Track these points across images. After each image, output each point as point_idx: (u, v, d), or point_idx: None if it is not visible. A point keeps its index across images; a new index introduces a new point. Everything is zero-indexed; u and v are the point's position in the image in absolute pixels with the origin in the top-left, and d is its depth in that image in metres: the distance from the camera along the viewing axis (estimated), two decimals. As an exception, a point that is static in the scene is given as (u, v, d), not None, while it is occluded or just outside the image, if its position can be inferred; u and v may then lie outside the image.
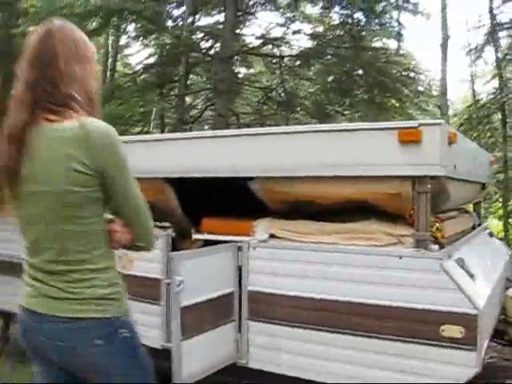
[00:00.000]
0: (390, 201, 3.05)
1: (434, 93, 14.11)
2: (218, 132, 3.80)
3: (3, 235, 4.73)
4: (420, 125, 2.86)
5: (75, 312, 1.85)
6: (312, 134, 3.23)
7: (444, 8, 12.09)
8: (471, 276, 2.98)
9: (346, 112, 14.35)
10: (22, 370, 4.69)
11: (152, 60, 15.34)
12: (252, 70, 16.80)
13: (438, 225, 3.08)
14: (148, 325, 3.68)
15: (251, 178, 3.06)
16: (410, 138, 2.86)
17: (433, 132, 2.82)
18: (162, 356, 3.49)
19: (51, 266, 1.87)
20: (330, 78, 13.84)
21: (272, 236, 3.33)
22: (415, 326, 2.84)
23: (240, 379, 3.42)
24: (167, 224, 3.80)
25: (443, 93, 11.98)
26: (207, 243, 3.51)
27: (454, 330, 2.72)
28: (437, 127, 2.83)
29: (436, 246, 2.94)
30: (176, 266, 3.10)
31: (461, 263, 2.99)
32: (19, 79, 1.87)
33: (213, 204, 3.71)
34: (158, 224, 3.85)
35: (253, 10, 13.91)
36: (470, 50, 13.97)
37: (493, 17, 12.76)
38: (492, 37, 12.44)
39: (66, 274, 1.86)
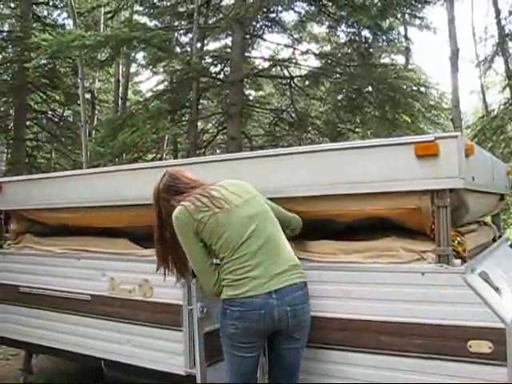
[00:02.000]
0: (410, 216, 3.01)
1: (446, 106, 14.07)
2: (232, 155, 3.81)
3: (28, 268, 4.76)
4: (436, 138, 2.83)
5: (302, 278, 2.84)
6: (328, 153, 3.22)
7: (452, 21, 12.08)
8: (496, 289, 2.93)
9: (357, 130, 14.35)
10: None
11: (162, 87, 15.48)
12: (262, 92, 16.87)
13: (459, 239, 3.03)
14: (171, 351, 3.66)
15: (269, 199, 3.06)
16: (426, 152, 2.83)
17: (450, 145, 2.80)
18: (187, 382, 3.48)
19: (268, 247, 2.79)
20: (340, 97, 13.86)
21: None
22: (441, 342, 2.79)
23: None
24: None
25: (455, 106, 11.91)
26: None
27: (482, 346, 2.67)
28: (453, 140, 2.81)
29: (458, 261, 2.90)
30: (198, 292, 3.09)
31: (484, 277, 2.94)
32: (159, 200, 3.05)
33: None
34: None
35: (260, 33, 14.01)
36: (480, 62, 13.95)
37: (501, 27, 12.76)
38: (501, 47, 12.42)
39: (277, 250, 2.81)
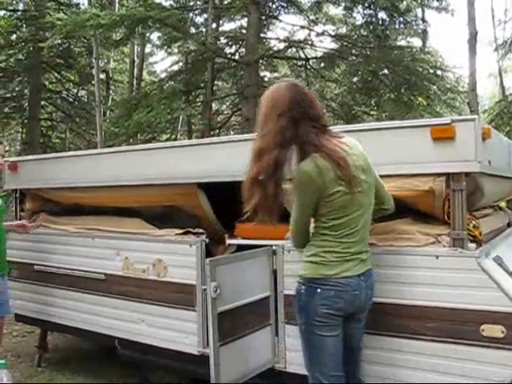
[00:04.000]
0: (423, 198, 2.99)
1: (462, 89, 13.92)
2: (248, 136, 3.79)
3: (43, 247, 4.80)
4: (453, 121, 2.80)
5: (370, 265, 2.76)
6: (343, 135, 3.20)
7: (471, 3, 11.87)
8: (510, 274, 2.92)
9: (372, 112, 14.28)
10: (61, 379, 4.76)
11: (177, 67, 15.46)
12: (277, 74, 16.79)
13: (474, 223, 3.02)
14: (185, 331, 3.69)
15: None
16: (443, 135, 2.81)
17: (466, 128, 2.77)
18: (200, 362, 3.51)
19: (365, 236, 2.70)
20: (356, 79, 13.79)
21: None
22: (455, 326, 2.78)
23: (278, 384, 3.40)
24: (201, 230, 3.81)
25: (472, 89, 11.75)
26: (241, 248, 3.50)
27: (495, 330, 2.67)
28: (470, 123, 2.78)
29: (473, 245, 2.88)
30: (211, 272, 3.10)
31: (499, 261, 2.92)
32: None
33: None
34: (192, 230, 3.86)
35: (276, 14, 13.91)
36: (498, 45, 13.77)
37: (520, 10, 12.56)
38: (520, 30, 12.25)
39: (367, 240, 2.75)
